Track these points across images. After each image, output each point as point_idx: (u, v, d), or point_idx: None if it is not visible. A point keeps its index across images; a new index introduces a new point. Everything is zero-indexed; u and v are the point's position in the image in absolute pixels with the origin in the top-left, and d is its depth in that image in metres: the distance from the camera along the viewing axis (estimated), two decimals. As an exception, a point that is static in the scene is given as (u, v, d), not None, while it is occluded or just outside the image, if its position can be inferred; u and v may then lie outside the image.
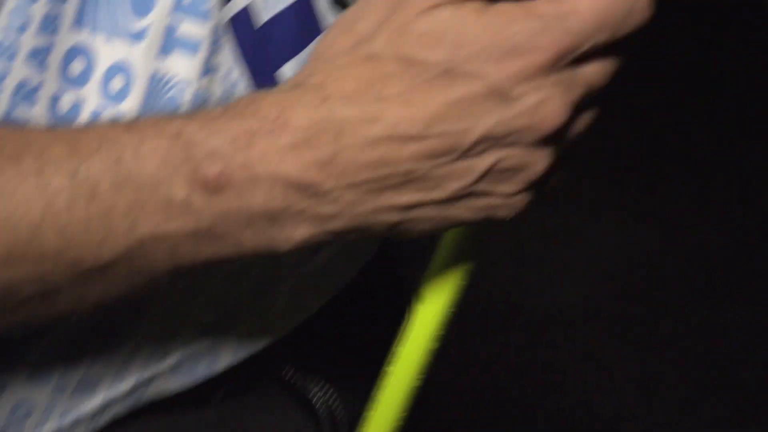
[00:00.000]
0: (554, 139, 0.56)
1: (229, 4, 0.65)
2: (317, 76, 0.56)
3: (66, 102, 0.63)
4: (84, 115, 0.62)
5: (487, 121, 0.55)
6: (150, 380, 0.70)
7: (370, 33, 0.57)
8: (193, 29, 0.64)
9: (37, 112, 0.62)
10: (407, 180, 0.55)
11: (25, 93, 0.62)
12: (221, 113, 0.54)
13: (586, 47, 0.56)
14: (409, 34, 0.56)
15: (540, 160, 0.56)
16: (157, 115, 0.56)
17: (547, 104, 0.55)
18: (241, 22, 0.66)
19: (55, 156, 0.54)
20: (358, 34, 0.57)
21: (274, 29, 0.68)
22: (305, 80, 0.56)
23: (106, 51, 0.63)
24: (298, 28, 0.69)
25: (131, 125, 0.55)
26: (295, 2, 0.68)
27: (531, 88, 0.55)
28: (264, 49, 0.67)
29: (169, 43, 0.64)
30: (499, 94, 0.55)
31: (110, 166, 0.54)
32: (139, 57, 0.63)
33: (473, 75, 0.55)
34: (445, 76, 0.55)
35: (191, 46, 0.64)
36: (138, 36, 0.63)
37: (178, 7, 0.63)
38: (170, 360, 0.70)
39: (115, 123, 0.56)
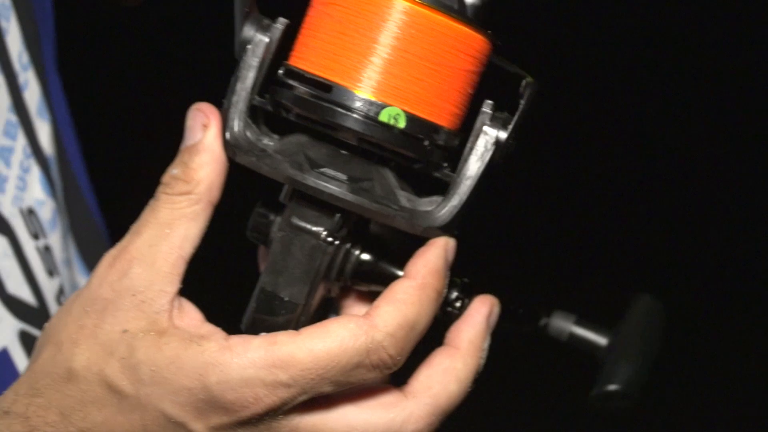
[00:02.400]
0: None
1: None
2: (22, 402, 0.64)
3: None
4: None
5: None
6: None
7: (70, 345, 0.64)
8: None
9: None
10: None
11: None
12: None
13: (301, 399, 0.62)
14: (112, 357, 0.63)
15: None
16: None
17: None
18: None
19: None
20: (58, 344, 0.64)
21: None
22: (11, 408, 0.64)
23: None
24: None
25: None
26: None
27: None
28: None
29: None
30: None
31: None
32: None
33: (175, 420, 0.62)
34: (137, 411, 0.62)
35: None
36: None
37: None
38: None
39: None
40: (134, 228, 0.66)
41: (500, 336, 0.69)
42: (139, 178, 0.68)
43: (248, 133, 0.67)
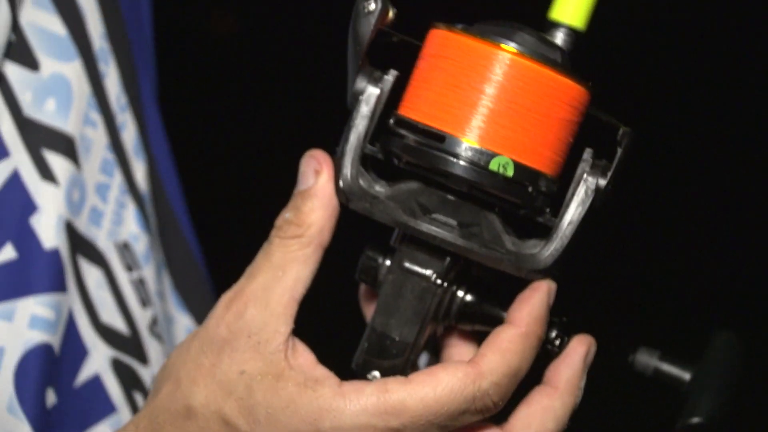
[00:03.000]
0: None
1: None
2: None
3: None
4: None
5: None
6: None
7: (189, 383, 0.66)
8: None
9: None
10: None
11: None
12: None
13: None
14: (230, 396, 0.65)
15: None
16: None
17: None
18: None
19: None
20: (177, 381, 0.67)
21: None
22: None
23: None
24: None
25: None
26: None
27: None
28: None
29: None
30: None
31: None
32: None
33: None
34: None
35: None
36: None
37: None
38: None
39: None
40: (249, 271, 0.69)
41: (590, 373, 0.71)
42: (239, 214, 0.70)
43: (361, 181, 0.70)
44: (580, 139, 0.70)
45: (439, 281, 0.69)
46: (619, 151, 0.69)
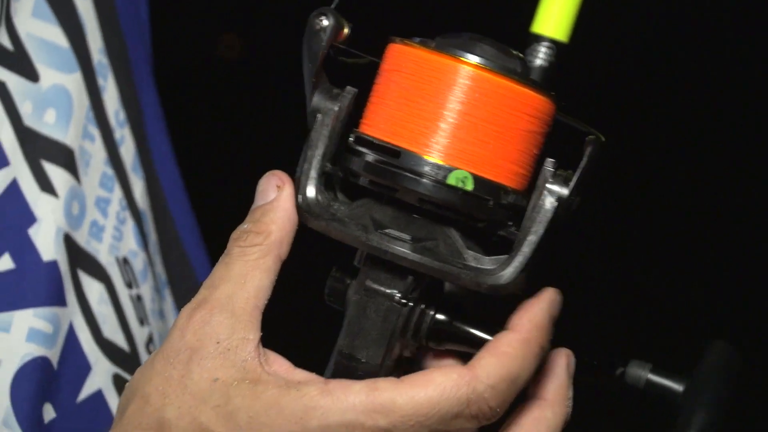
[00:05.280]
0: None
1: None
2: None
3: None
4: None
5: None
6: None
7: (158, 397, 0.65)
8: None
9: None
10: None
11: None
12: None
13: None
14: (205, 405, 0.63)
15: None
16: None
17: None
18: None
19: None
20: (145, 397, 0.65)
21: None
22: None
23: None
24: None
25: None
26: None
27: None
28: None
29: None
30: None
31: None
32: None
33: None
34: None
35: None
36: None
37: None
38: None
39: None
40: (208, 282, 0.68)
41: (580, 388, 0.71)
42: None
43: (320, 199, 0.69)
44: (552, 150, 0.69)
45: (403, 300, 0.68)
46: (584, 159, 0.68)
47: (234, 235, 0.69)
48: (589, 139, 0.68)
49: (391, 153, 0.67)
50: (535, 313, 0.67)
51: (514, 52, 0.69)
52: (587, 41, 0.71)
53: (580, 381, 0.71)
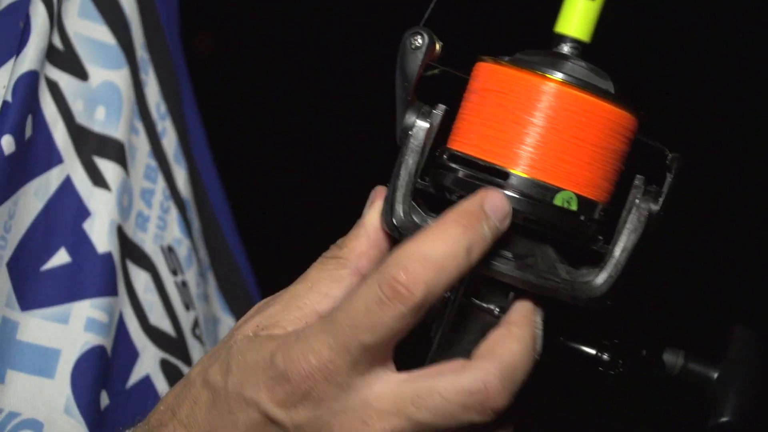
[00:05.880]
0: None
1: None
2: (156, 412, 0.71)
3: None
4: None
5: None
6: None
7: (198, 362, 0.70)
8: None
9: None
10: None
11: None
12: None
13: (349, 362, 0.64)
14: (216, 361, 0.68)
15: None
16: None
17: None
18: None
19: None
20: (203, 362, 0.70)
21: None
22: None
23: None
24: None
25: None
26: None
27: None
28: None
29: None
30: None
31: None
32: None
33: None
34: (225, 403, 0.66)
35: None
36: None
37: None
38: None
39: None
40: (290, 286, 0.72)
41: (621, 380, 0.73)
42: (284, 220, 0.73)
43: (413, 216, 0.70)
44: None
45: (503, 315, 0.69)
46: (669, 176, 0.70)
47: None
48: (675, 157, 0.71)
49: (497, 173, 0.68)
50: (521, 304, 0.69)
51: (601, 71, 0.70)
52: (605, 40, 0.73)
53: (622, 373, 0.73)
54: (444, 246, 0.64)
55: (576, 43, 0.71)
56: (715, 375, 0.76)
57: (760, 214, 3.03)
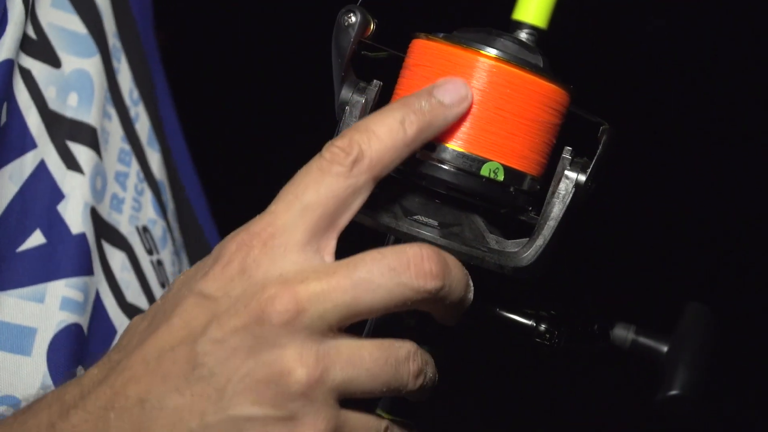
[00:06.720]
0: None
1: None
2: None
3: None
4: None
5: None
6: None
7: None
8: None
9: None
10: None
11: None
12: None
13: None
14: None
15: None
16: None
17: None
18: None
19: None
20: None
21: None
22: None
23: None
24: None
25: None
26: None
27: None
28: None
29: None
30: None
31: None
32: None
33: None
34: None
35: None
36: None
37: None
38: None
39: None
40: None
41: (570, 353, 0.75)
42: (255, 201, 0.75)
43: None
44: (564, 139, 0.73)
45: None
46: (600, 147, 0.72)
47: None
48: (604, 129, 0.73)
49: (426, 147, 0.69)
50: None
51: (533, 46, 0.72)
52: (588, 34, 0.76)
53: (570, 346, 0.76)
54: (379, 116, 0.67)
55: (533, 29, 0.73)
56: (665, 349, 0.79)
57: (711, 190, 3.06)
